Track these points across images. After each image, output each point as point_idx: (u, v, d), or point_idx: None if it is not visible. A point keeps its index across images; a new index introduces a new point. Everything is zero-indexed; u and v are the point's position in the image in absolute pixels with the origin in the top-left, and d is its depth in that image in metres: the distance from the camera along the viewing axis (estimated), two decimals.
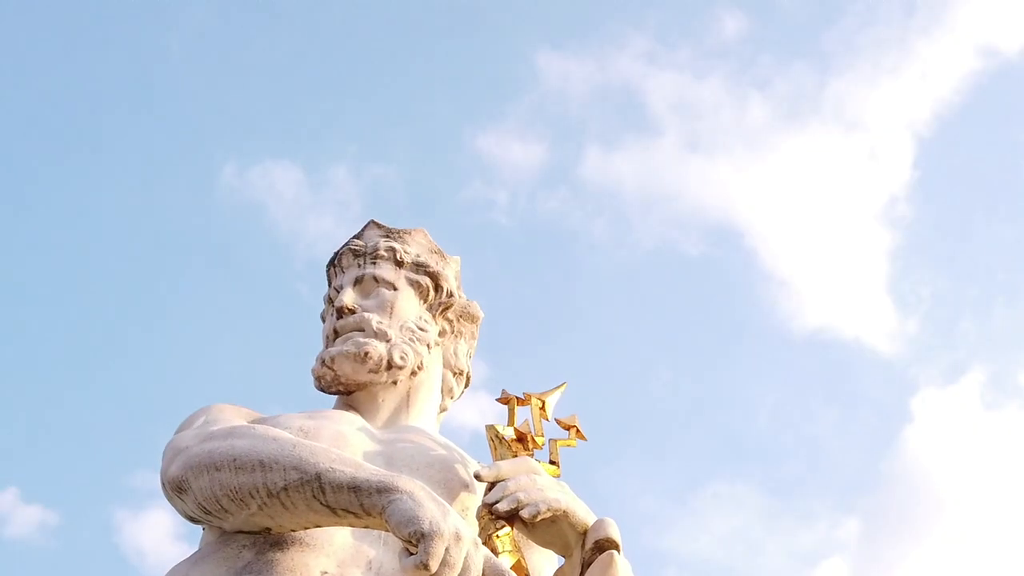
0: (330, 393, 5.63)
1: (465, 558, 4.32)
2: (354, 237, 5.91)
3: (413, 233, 5.90)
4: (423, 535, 4.27)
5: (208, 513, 4.75)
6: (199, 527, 5.12)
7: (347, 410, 5.52)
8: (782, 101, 21.43)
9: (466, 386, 5.94)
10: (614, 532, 4.81)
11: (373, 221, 5.93)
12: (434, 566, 4.24)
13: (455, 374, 5.83)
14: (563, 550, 4.92)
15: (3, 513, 19.03)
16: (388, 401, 5.54)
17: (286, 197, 20.53)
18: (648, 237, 21.05)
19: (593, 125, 21.40)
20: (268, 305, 20.17)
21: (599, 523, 4.84)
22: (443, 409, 5.81)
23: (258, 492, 4.59)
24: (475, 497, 5.10)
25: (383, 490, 4.43)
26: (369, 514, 4.46)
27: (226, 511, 4.69)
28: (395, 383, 5.55)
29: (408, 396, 5.58)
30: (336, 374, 5.52)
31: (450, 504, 4.74)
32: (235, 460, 4.64)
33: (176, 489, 4.80)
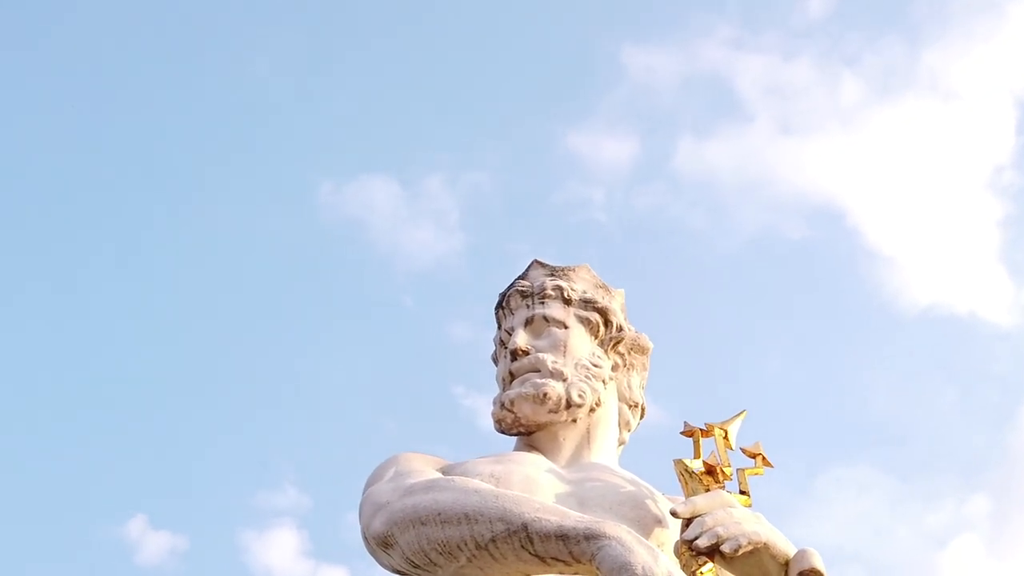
0: (511, 435, 5.71)
1: None
2: (519, 278, 5.99)
3: (577, 269, 5.96)
4: None
5: (417, 567, 4.87)
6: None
7: (529, 451, 5.60)
8: (874, 76, 21.16)
9: (641, 417, 6.00)
10: (818, 562, 4.83)
11: (536, 260, 6.00)
12: None
13: (630, 407, 5.89)
14: None
15: (133, 541, 19.47)
16: (569, 439, 5.61)
17: (384, 211, 20.73)
18: (748, 224, 20.92)
19: (684, 115, 21.31)
20: (374, 319, 20.40)
21: (802, 554, 4.87)
22: (622, 443, 5.88)
23: (466, 544, 4.70)
24: (668, 532, 5.15)
25: (591, 537, 4.51)
26: (579, 561, 4.54)
27: (435, 564, 4.81)
28: (575, 421, 5.62)
29: (588, 433, 5.65)
30: (516, 416, 5.61)
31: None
32: (440, 514, 4.75)
33: (382, 544, 4.92)
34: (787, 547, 4.90)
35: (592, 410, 5.65)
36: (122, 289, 20.42)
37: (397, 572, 5.05)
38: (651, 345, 6.01)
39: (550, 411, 5.57)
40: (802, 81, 20.75)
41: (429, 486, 4.91)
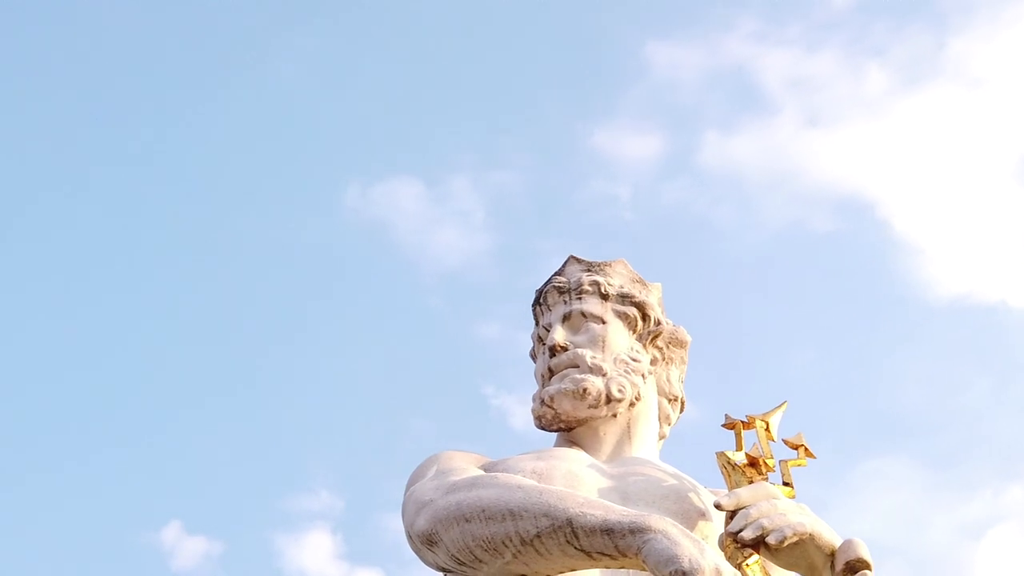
0: (551, 431, 5.72)
1: None
2: (556, 274, 5.99)
3: (614, 264, 5.96)
4: (684, 573, 4.34)
5: (462, 564, 4.87)
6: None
7: (570, 447, 5.60)
8: (901, 66, 21.04)
9: (681, 411, 5.99)
10: (865, 552, 4.81)
11: (572, 256, 6.00)
12: None
13: (670, 400, 5.89)
14: (808, 572, 4.94)
15: (169, 546, 19.56)
16: (610, 434, 5.61)
17: (410, 212, 20.76)
18: (776, 218, 20.84)
19: (708, 110, 21.23)
20: (402, 321, 20.44)
21: (848, 544, 4.85)
22: (662, 436, 5.88)
23: (511, 541, 4.70)
24: (712, 525, 5.14)
25: (636, 530, 4.51)
26: (625, 555, 4.54)
27: (480, 561, 4.81)
28: (615, 416, 5.62)
29: (629, 427, 5.65)
30: (556, 412, 5.61)
31: None
32: (484, 511, 4.75)
33: (426, 542, 4.93)
34: (832, 537, 4.89)
35: (632, 404, 5.65)
36: (152, 294, 20.53)
37: (442, 570, 5.06)
38: (689, 338, 6.00)
39: (590, 406, 5.57)
40: (827, 73, 20.66)
41: (472, 483, 4.91)
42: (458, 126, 20.98)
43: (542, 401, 5.66)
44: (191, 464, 20.06)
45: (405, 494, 5.26)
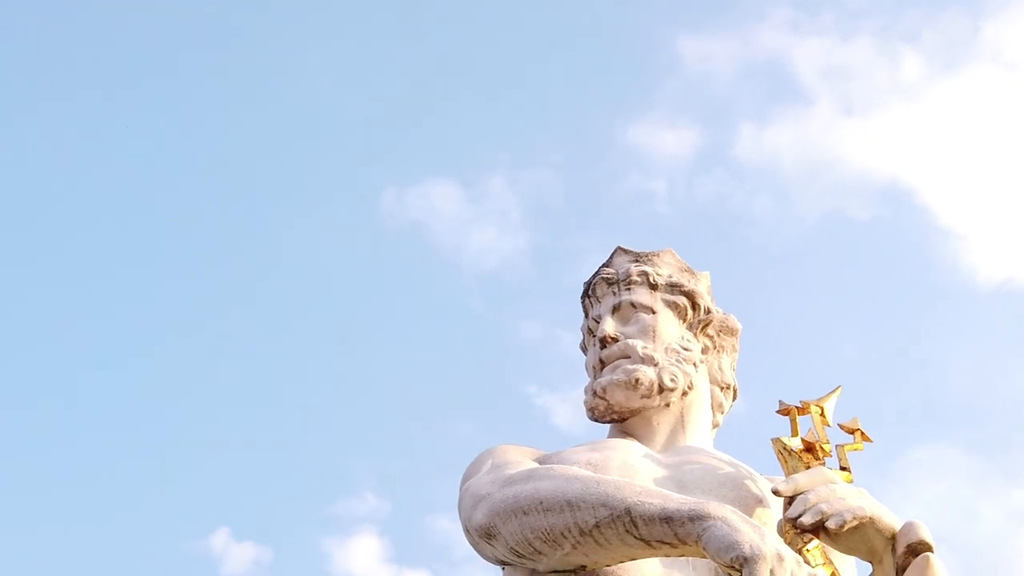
0: (604, 422, 5.71)
1: None
2: (603, 265, 5.98)
3: (661, 254, 5.95)
4: (746, 559, 4.32)
5: (521, 556, 4.87)
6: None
7: (623, 438, 5.59)
8: (936, 52, 20.89)
9: (734, 399, 5.97)
10: (926, 534, 4.78)
11: (620, 247, 6.00)
12: None
13: (722, 388, 5.87)
14: (869, 556, 4.91)
15: (218, 553, 19.67)
16: (663, 424, 5.60)
17: (446, 214, 20.80)
18: (814, 208, 20.73)
19: (743, 102, 21.16)
20: (443, 323, 20.48)
21: (909, 526, 4.82)
22: (715, 425, 5.86)
23: (570, 532, 4.69)
24: (770, 512, 5.12)
25: (695, 518, 4.49)
26: (685, 543, 4.52)
27: (539, 553, 4.81)
28: (668, 405, 5.61)
29: (682, 417, 5.63)
30: (609, 403, 5.60)
31: None
32: (542, 502, 4.75)
33: (484, 536, 4.93)
34: (892, 520, 4.86)
35: (684, 394, 5.63)
36: (195, 301, 20.67)
37: (501, 563, 5.06)
38: (740, 326, 5.98)
39: (643, 396, 5.57)
40: (862, 60, 20.54)
41: (529, 476, 4.91)
42: (491, 126, 21.02)
43: (594, 393, 5.65)
44: (238, 471, 20.20)
45: (460, 489, 5.26)
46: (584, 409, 5.75)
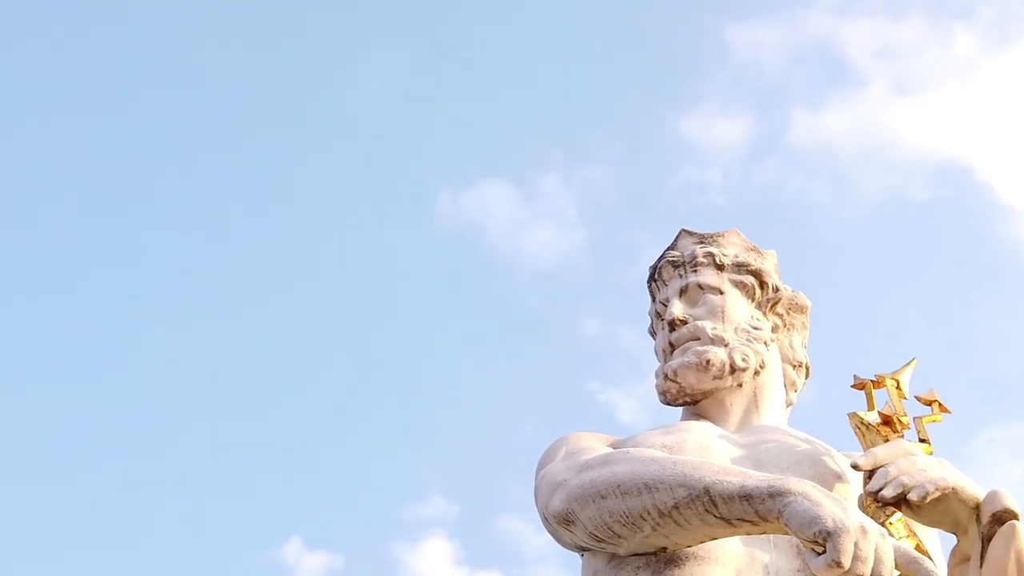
0: (676, 405, 5.69)
1: (875, 550, 4.30)
2: (669, 248, 5.96)
3: (726, 235, 5.91)
4: (829, 533, 4.27)
5: (601, 540, 4.86)
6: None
7: (696, 420, 5.56)
8: (989, 27, 20.63)
9: (807, 377, 5.92)
10: (1011, 502, 4.71)
11: (684, 230, 5.97)
12: (847, 562, 4.24)
13: (794, 367, 5.82)
14: (952, 527, 4.84)
15: (292, 563, 19.81)
16: (736, 404, 5.56)
17: (502, 215, 20.84)
18: (872, 191, 20.54)
19: (795, 88, 21.02)
20: (503, 323, 20.51)
21: (993, 495, 4.75)
22: (789, 403, 5.81)
23: (649, 514, 4.67)
24: (849, 487, 5.07)
25: (775, 494, 4.45)
26: (766, 520, 4.48)
27: (619, 536, 4.79)
28: (740, 386, 5.57)
29: (755, 396, 5.59)
30: (681, 386, 5.58)
31: None
32: (619, 486, 4.73)
33: (563, 522, 4.92)
34: (976, 490, 4.78)
35: (757, 373, 5.59)
36: (262, 312, 20.84)
37: (580, 548, 5.05)
38: (809, 303, 5.93)
39: (715, 377, 5.53)
40: (913, 39, 20.35)
41: (604, 460, 4.89)
42: (543, 125, 21.02)
43: (666, 376, 5.63)
44: (308, 480, 20.34)
45: (536, 478, 5.26)
46: (656, 393, 5.72)
